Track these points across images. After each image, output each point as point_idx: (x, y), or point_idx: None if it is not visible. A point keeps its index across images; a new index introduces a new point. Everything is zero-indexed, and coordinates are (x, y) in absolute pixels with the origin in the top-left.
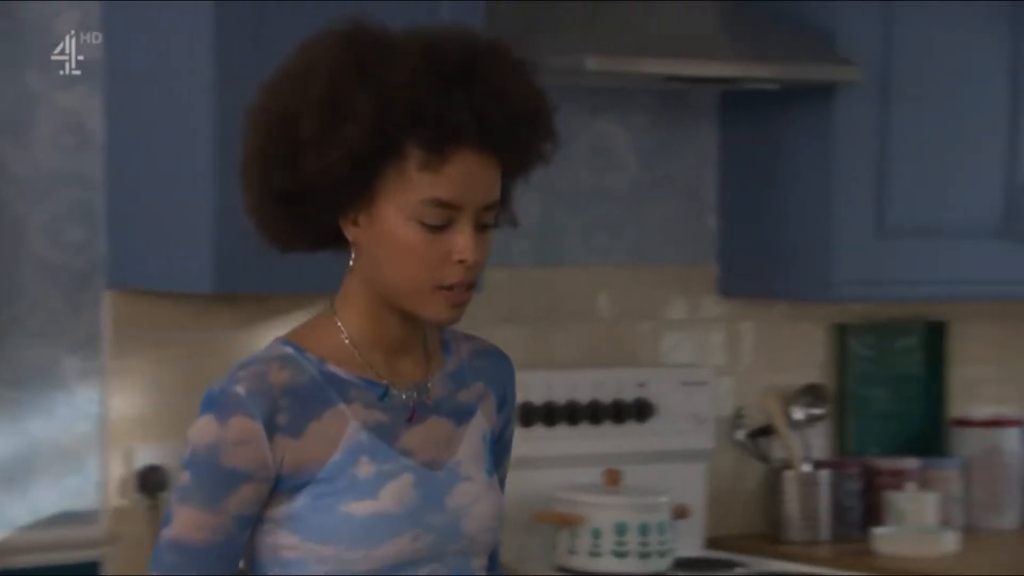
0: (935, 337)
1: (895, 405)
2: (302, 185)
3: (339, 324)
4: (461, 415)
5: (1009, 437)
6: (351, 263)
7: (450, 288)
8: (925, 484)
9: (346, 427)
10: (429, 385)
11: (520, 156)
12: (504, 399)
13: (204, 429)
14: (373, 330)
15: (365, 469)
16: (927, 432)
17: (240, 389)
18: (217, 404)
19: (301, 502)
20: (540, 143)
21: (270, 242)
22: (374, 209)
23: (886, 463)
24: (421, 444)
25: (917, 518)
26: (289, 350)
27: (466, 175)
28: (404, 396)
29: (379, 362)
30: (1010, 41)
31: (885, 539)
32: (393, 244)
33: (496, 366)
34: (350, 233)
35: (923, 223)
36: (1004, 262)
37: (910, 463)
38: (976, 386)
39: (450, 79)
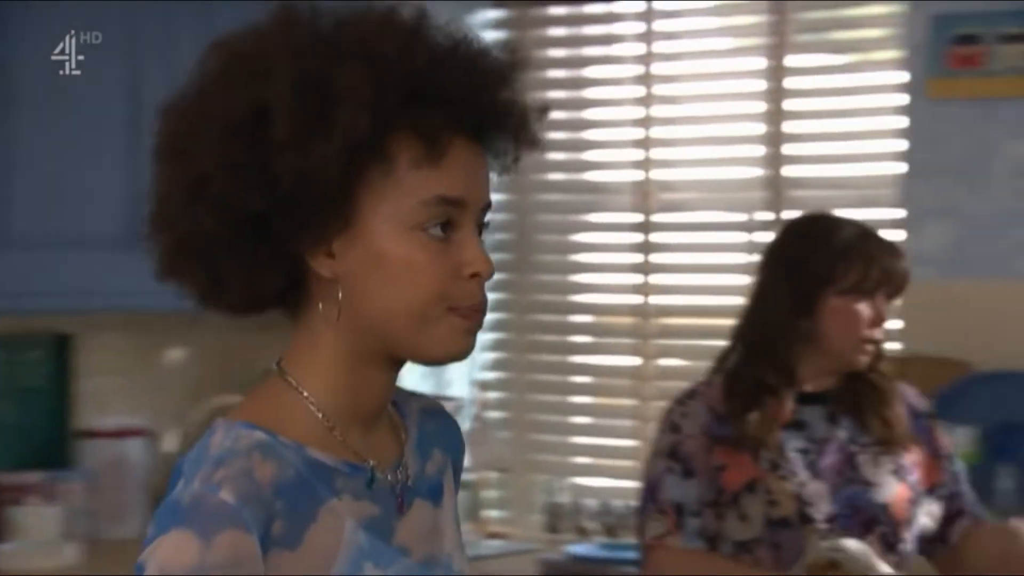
0: (61, 349)
1: (21, 419)
2: (275, 202)
3: (304, 394)
4: (435, 494)
5: (134, 447)
6: (319, 309)
7: (465, 309)
8: (50, 497)
9: (343, 529)
10: (406, 461)
11: (513, 145)
12: (456, 467)
13: (178, 551)
14: (350, 398)
15: None
16: (53, 445)
17: (227, 496)
18: (194, 516)
19: None
20: (530, 125)
21: (215, 301)
22: (356, 229)
23: (8, 478)
24: (414, 538)
25: (38, 532)
26: (262, 435)
27: (466, 166)
28: (389, 478)
29: (356, 438)
30: (124, 47)
31: (7, 555)
32: (390, 266)
33: (447, 428)
34: (323, 267)
35: (46, 234)
36: (127, 273)
37: (33, 477)
38: (104, 397)
39: (440, 53)
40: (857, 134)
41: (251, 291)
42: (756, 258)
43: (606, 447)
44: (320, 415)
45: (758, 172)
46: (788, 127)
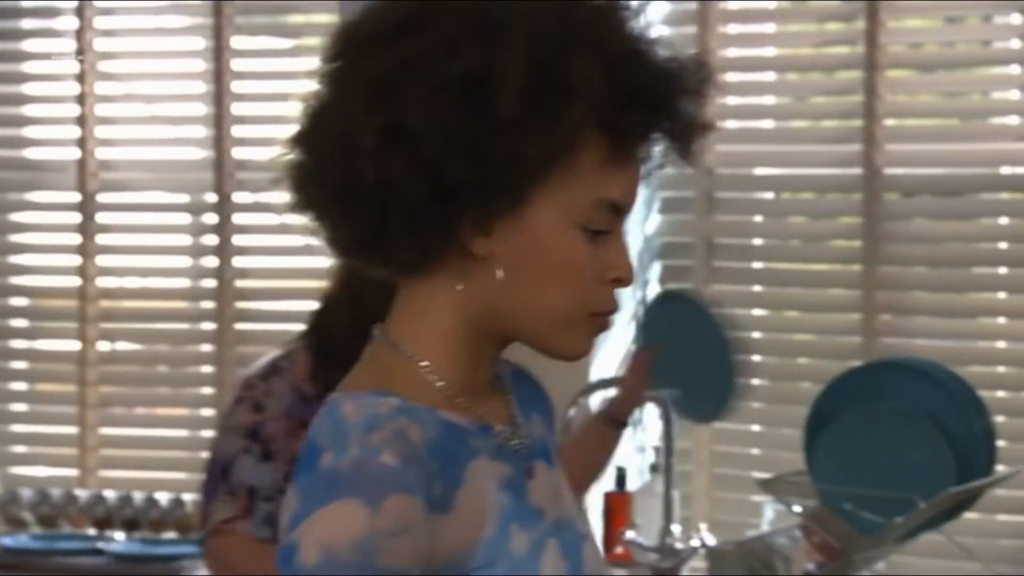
0: None
1: None
2: (478, 176)
3: (419, 362)
4: (547, 456)
5: None
6: (457, 287)
7: (603, 314)
8: None
9: (487, 490)
10: (519, 423)
11: (674, 155)
12: (551, 427)
13: (345, 520)
14: (468, 368)
15: (519, 542)
16: None
17: (389, 458)
18: (357, 483)
19: None
20: (696, 139)
21: (358, 251)
22: (522, 213)
23: None
24: (545, 500)
25: None
26: (396, 401)
27: (635, 176)
28: (513, 441)
29: (477, 402)
30: None
31: None
32: (549, 258)
33: (537, 391)
34: (479, 246)
35: None
36: None
37: None
38: None
39: (660, 58)
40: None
41: (409, 250)
42: (202, 239)
43: (44, 435)
44: (439, 382)
45: (203, 153)
46: (233, 109)
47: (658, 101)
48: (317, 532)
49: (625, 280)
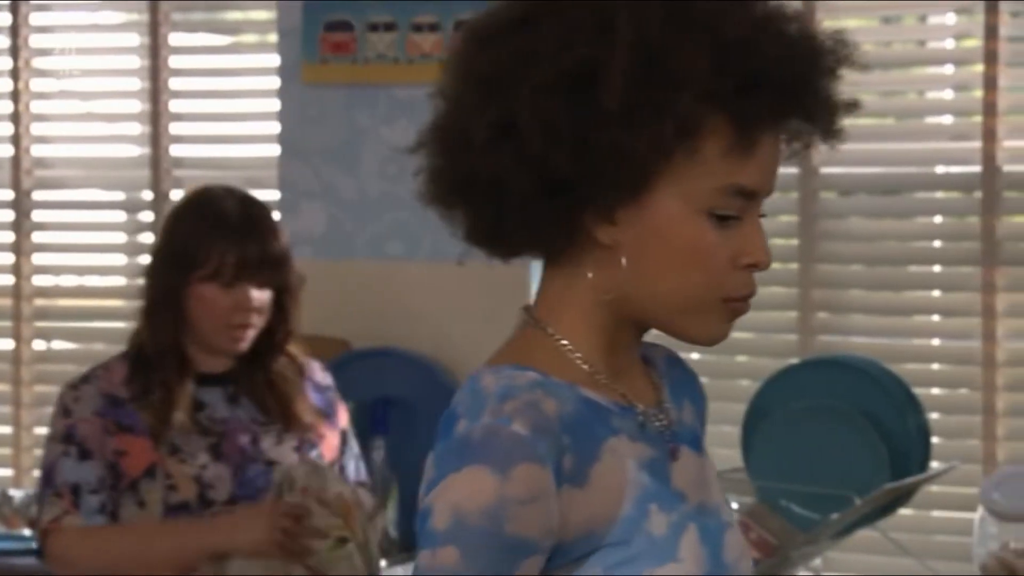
0: None
1: None
2: (585, 168)
3: (562, 342)
4: (695, 443)
5: None
6: (589, 275)
7: (737, 300)
8: None
9: (626, 468)
10: (666, 407)
11: (816, 136)
12: (701, 419)
13: (475, 486)
14: (608, 351)
15: (658, 523)
16: None
17: (520, 428)
18: (487, 451)
19: (591, 574)
20: (838, 118)
21: (485, 240)
22: (646, 201)
23: None
24: (688, 483)
25: None
26: (535, 375)
27: (769, 159)
28: (657, 423)
29: (620, 382)
30: None
31: None
32: (674, 246)
33: (690, 378)
34: (604, 234)
35: None
36: None
37: None
38: None
39: (787, 40)
40: (238, 115)
41: (530, 240)
42: (138, 237)
43: None
44: (581, 362)
45: (140, 150)
46: (170, 106)
47: (783, 84)
48: (448, 497)
49: (761, 264)
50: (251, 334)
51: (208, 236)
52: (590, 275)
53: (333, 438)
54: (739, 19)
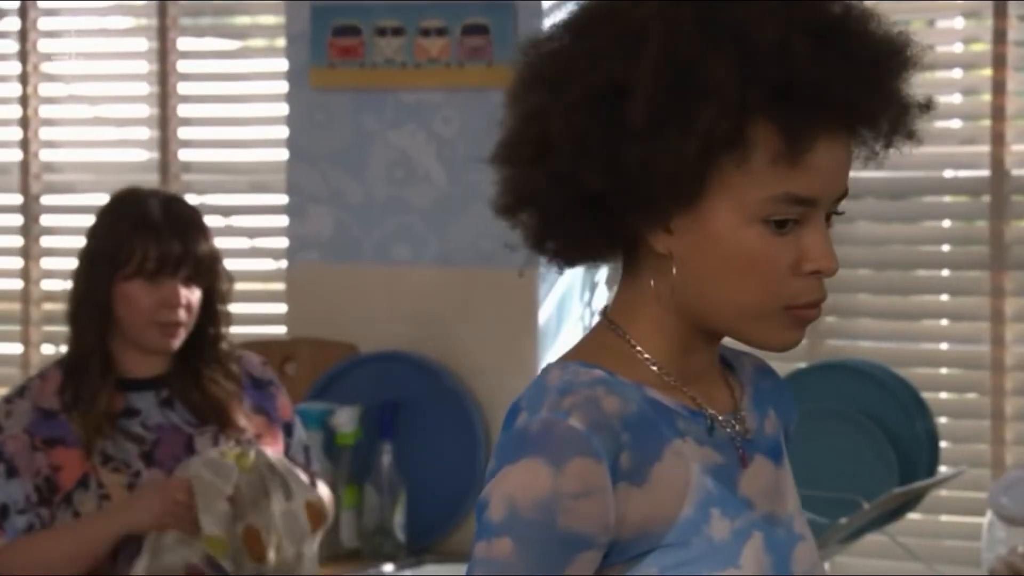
0: None
1: None
2: (616, 184)
3: (635, 345)
4: (775, 453)
5: None
6: (651, 283)
7: (801, 307)
8: None
9: (689, 471)
10: (743, 414)
11: (887, 137)
12: (787, 432)
13: (529, 478)
14: (680, 357)
15: (720, 528)
16: None
17: (576, 422)
18: (543, 443)
19: (647, 574)
20: (911, 117)
21: (543, 249)
22: (699, 210)
23: None
24: (758, 493)
25: None
26: (601, 372)
27: (828, 164)
28: (728, 430)
29: (692, 386)
30: None
31: None
32: (727, 254)
33: (781, 390)
34: (660, 243)
35: None
36: None
37: None
38: None
39: (823, 35)
40: (246, 120)
41: (579, 251)
42: None
43: None
44: (652, 365)
45: (148, 155)
46: (178, 110)
47: (825, 86)
48: (504, 488)
49: (825, 270)
50: (181, 332)
51: (130, 233)
52: (652, 283)
53: (275, 435)
54: (771, 24)
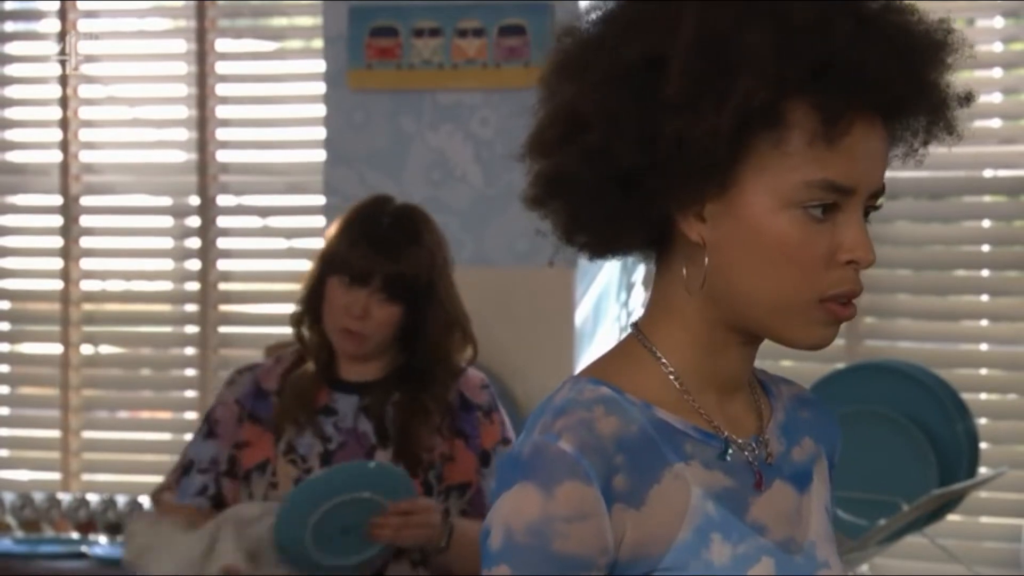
0: None
1: None
2: (650, 159)
3: (658, 356)
4: (801, 480)
5: None
6: (684, 272)
7: (833, 299)
8: None
9: (689, 495)
10: (767, 438)
11: (925, 131)
12: (832, 463)
13: (521, 503)
14: (707, 364)
15: (719, 552)
16: None
17: (566, 445)
18: (534, 467)
19: None
20: (949, 110)
21: (573, 239)
22: (733, 196)
23: None
24: (773, 518)
25: None
26: (606, 391)
27: (865, 151)
28: (746, 453)
29: (711, 406)
30: None
31: None
32: (762, 241)
33: (822, 419)
34: (692, 230)
35: None
36: None
37: None
38: None
39: (864, 19)
40: (284, 121)
41: (610, 239)
42: (185, 242)
43: (27, 438)
44: (673, 379)
45: (186, 156)
46: (217, 112)
47: (862, 69)
48: (501, 515)
49: (862, 261)
50: (363, 342)
51: (344, 237)
52: (684, 272)
53: (466, 460)
54: (812, 3)
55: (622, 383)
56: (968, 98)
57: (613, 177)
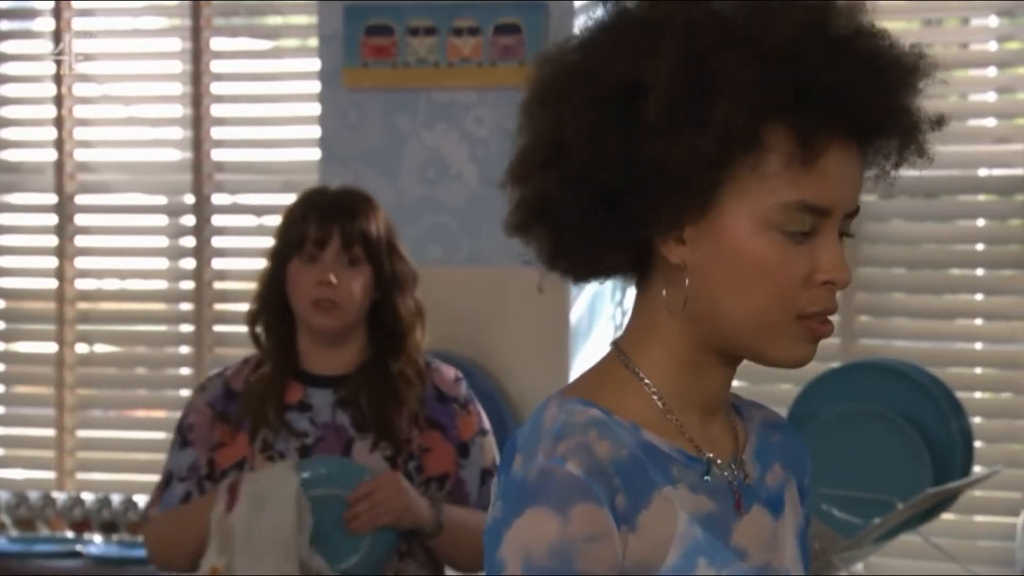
0: None
1: None
2: (631, 183)
3: (641, 376)
4: (775, 505)
5: None
6: (663, 293)
7: (811, 317)
8: None
9: (675, 519)
10: (744, 459)
11: (898, 153)
12: (803, 489)
13: (537, 528)
14: (689, 384)
15: None
16: None
17: (574, 468)
18: (544, 492)
19: None
20: (921, 133)
21: (556, 264)
22: (712, 218)
23: None
24: (753, 542)
25: None
26: (597, 412)
27: (840, 173)
28: (727, 475)
29: (694, 426)
30: None
31: None
32: (741, 263)
33: (792, 444)
34: (672, 253)
35: None
36: None
37: None
38: None
39: (837, 43)
40: (279, 119)
41: (592, 263)
42: (180, 241)
43: (22, 437)
44: (657, 399)
45: (181, 154)
46: (212, 110)
47: (838, 92)
48: (515, 543)
49: (838, 282)
50: (338, 313)
51: (293, 214)
52: (664, 294)
53: (444, 452)
54: (784, 27)
55: (610, 404)
56: (939, 122)
57: (594, 201)
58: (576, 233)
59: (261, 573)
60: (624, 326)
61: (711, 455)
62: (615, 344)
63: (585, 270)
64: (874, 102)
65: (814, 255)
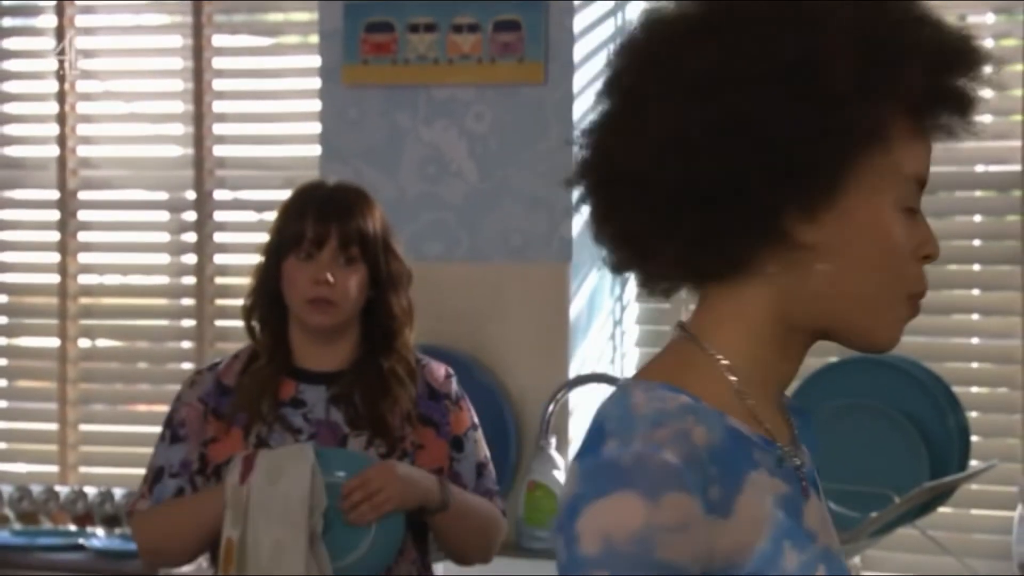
0: None
1: None
2: (810, 156)
3: (719, 359)
4: (818, 488)
5: None
6: (780, 280)
7: (915, 297)
8: None
9: (765, 503)
10: (800, 445)
11: (954, 129)
12: (816, 470)
13: (624, 513)
14: (770, 369)
15: (791, 560)
16: None
17: (671, 456)
18: (636, 477)
19: None
20: (974, 122)
21: (698, 262)
22: (842, 197)
23: None
24: (817, 524)
25: None
26: (687, 399)
27: (930, 146)
28: (795, 459)
29: (764, 412)
30: None
31: None
32: (876, 240)
33: (807, 427)
34: (803, 234)
35: None
36: None
37: None
38: None
39: (935, 24)
40: (279, 116)
41: (720, 251)
42: (182, 237)
43: (24, 431)
44: (735, 384)
45: (183, 151)
46: (213, 107)
47: (946, 69)
48: (597, 523)
49: (935, 255)
50: (333, 311)
51: (289, 211)
52: (782, 280)
53: (438, 447)
54: (896, 10)
55: (696, 390)
56: (980, 100)
57: (766, 178)
58: (734, 217)
59: (273, 539)
60: (694, 312)
61: (780, 443)
62: (683, 329)
63: (727, 263)
64: (965, 81)
65: (918, 230)
